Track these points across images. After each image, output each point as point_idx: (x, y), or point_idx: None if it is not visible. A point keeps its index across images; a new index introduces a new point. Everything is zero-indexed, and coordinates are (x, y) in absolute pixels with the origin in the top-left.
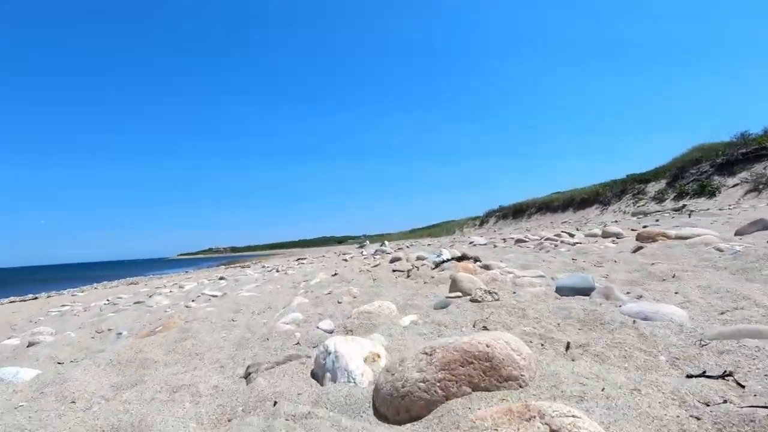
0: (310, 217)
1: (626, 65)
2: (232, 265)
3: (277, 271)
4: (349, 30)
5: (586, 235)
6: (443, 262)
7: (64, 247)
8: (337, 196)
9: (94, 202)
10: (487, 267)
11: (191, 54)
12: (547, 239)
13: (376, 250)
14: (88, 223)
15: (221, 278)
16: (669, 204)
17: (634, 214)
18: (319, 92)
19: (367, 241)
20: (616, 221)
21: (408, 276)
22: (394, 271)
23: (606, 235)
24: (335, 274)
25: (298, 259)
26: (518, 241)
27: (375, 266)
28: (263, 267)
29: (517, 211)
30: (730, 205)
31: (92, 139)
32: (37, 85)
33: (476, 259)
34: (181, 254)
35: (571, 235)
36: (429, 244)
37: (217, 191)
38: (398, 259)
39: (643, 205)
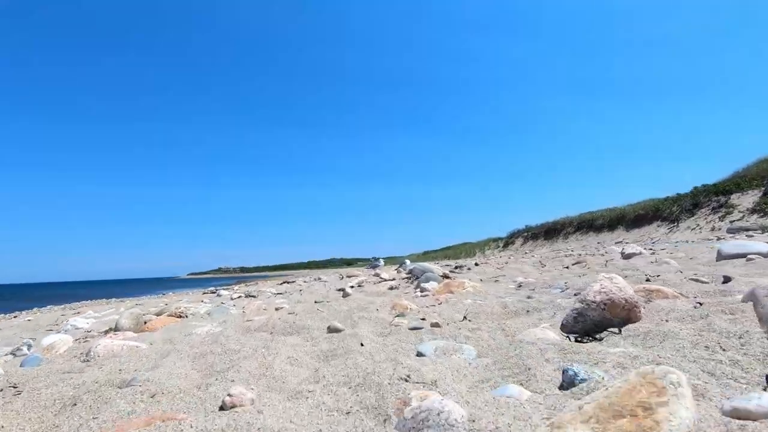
0: (322, 240)
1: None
2: (216, 289)
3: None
4: (360, 53)
5: None
6: None
7: (74, 264)
8: (347, 218)
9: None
10: None
11: (206, 72)
12: None
13: (410, 271)
14: (99, 241)
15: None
16: None
17: (730, 231)
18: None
19: (381, 261)
20: (717, 238)
21: None
22: None
23: None
24: None
25: (284, 281)
26: None
27: None
28: (227, 292)
29: (549, 231)
30: None
31: (100, 157)
32: (33, 94)
33: None
34: (190, 273)
35: None
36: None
37: (232, 210)
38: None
39: (739, 220)
